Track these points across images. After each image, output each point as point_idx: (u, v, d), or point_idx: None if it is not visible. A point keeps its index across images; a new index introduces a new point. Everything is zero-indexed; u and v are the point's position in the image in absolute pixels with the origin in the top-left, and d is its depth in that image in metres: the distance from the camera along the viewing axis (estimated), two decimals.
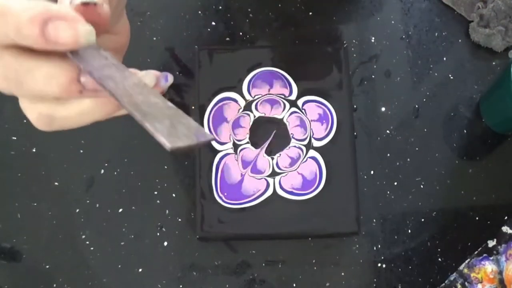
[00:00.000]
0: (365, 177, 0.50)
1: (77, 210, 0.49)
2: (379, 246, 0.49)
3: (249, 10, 0.55)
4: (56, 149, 0.51)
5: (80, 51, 0.20)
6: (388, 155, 0.51)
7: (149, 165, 0.50)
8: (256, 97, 0.50)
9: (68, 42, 0.19)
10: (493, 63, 0.54)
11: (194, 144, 0.20)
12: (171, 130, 0.20)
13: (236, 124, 0.49)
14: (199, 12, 0.54)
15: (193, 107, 0.51)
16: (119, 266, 0.48)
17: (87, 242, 0.48)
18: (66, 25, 0.19)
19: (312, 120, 0.49)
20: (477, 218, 0.50)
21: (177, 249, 0.48)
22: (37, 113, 0.22)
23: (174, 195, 0.50)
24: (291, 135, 0.49)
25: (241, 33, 0.54)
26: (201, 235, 0.47)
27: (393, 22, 0.55)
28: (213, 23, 0.54)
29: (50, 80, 0.20)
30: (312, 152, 0.48)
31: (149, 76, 0.22)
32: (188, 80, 0.52)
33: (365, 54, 0.54)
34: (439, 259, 0.49)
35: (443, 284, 0.46)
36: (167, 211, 0.49)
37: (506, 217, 0.49)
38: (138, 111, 0.20)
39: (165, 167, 0.50)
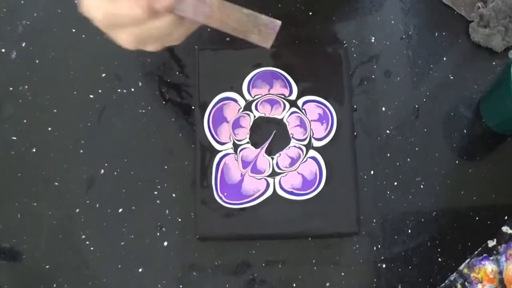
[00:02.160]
0: (365, 177, 0.50)
1: (77, 210, 0.49)
2: (379, 246, 0.49)
3: None
4: (56, 149, 0.51)
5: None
6: (388, 155, 0.51)
7: (149, 165, 0.50)
8: (256, 97, 0.50)
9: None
10: (493, 63, 0.54)
11: (275, 35, 0.29)
12: (260, 37, 0.29)
13: (236, 124, 0.49)
14: None
15: (193, 107, 0.51)
16: (119, 266, 0.48)
17: (87, 242, 0.48)
18: None
19: (312, 120, 0.49)
20: (477, 218, 0.50)
21: (177, 249, 0.48)
22: (132, 35, 0.30)
23: (174, 195, 0.50)
24: (291, 135, 0.49)
25: None
26: (201, 235, 0.47)
27: (393, 22, 0.55)
28: None
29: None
30: (312, 152, 0.48)
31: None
32: (188, 80, 0.52)
33: (365, 54, 0.54)
34: (439, 259, 0.49)
35: (443, 284, 0.46)
36: (167, 211, 0.49)
37: (506, 217, 0.49)
38: (235, 31, 0.29)
39: (165, 167, 0.50)
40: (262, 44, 0.29)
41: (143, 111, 0.52)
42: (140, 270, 0.48)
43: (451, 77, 0.54)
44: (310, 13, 0.55)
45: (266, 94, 0.50)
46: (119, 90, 0.52)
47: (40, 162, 0.50)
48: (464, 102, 0.53)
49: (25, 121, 0.51)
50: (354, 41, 0.54)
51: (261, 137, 0.49)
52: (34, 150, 0.51)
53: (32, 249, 0.48)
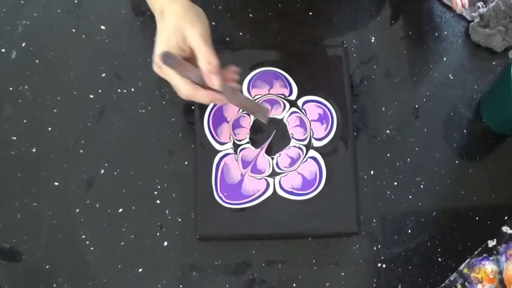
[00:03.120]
0: (365, 177, 0.50)
1: (77, 210, 0.49)
2: (379, 246, 0.49)
3: (249, 10, 0.55)
4: (56, 149, 0.51)
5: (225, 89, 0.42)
6: (388, 155, 0.51)
7: (149, 165, 0.50)
8: (256, 97, 0.50)
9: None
10: (493, 63, 0.54)
11: (269, 113, 0.48)
12: (263, 116, 0.44)
13: (236, 124, 0.49)
14: None
15: (193, 107, 0.51)
16: (119, 266, 0.48)
17: (87, 242, 0.48)
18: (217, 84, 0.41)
19: (312, 120, 0.49)
20: (477, 218, 0.50)
21: (177, 249, 0.48)
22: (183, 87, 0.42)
23: (174, 195, 0.50)
24: (291, 135, 0.49)
25: (241, 33, 0.54)
26: (201, 235, 0.47)
27: (393, 22, 0.55)
28: (213, 23, 0.54)
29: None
30: (312, 152, 0.48)
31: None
32: None
33: (365, 54, 0.54)
34: (439, 259, 0.49)
35: (443, 284, 0.46)
36: (167, 211, 0.49)
37: (506, 217, 0.49)
38: (248, 110, 0.45)
39: (165, 167, 0.50)
40: (263, 120, 0.44)
41: (143, 111, 0.52)
42: (140, 270, 0.48)
43: (451, 77, 0.54)
44: (310, 13, 0.55)
45: (266, 94, 0.50)
46: (119, 90, 0.52)
47: (40, 162, 0.50)
48: (464, 102, 0.53)
49: (25, 121, 0.51)
50: (354, 41, 0.54)
51: (261, 137, 0.49)
52: (34, 150, 0.51)
53: (32, 249, 0.48)
